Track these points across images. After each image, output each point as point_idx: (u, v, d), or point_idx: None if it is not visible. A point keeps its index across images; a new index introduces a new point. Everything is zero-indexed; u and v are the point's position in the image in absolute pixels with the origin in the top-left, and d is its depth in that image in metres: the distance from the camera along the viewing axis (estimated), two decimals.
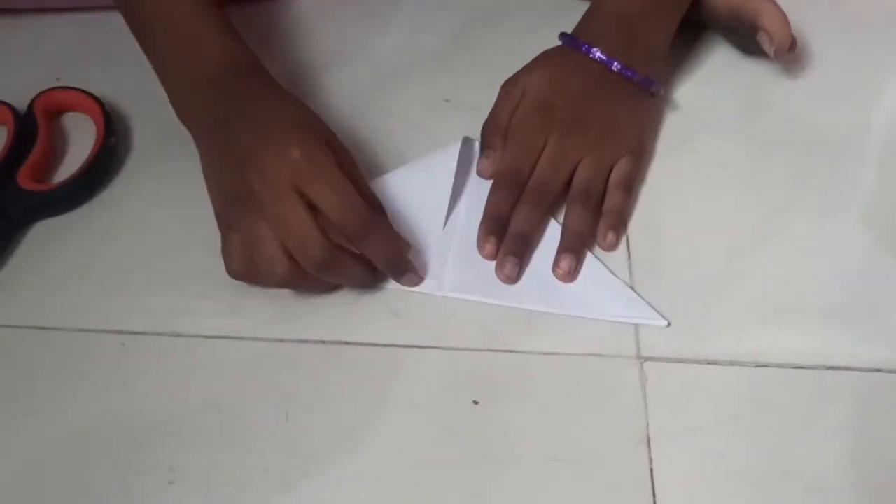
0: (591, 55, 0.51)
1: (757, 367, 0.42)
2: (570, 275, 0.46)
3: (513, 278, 0.46)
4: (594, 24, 0.53)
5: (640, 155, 0.52)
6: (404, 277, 0.45)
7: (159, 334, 0.43)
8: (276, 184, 0.41)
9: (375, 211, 0.44)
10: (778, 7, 0.54)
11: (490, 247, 0.46)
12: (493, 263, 0.46)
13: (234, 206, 0.42)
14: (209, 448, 0.39)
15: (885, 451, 0.40)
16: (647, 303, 0.44)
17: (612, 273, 0.46)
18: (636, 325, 0.44)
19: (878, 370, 0.42)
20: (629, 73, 0.51)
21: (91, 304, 0.45)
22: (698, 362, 0.42)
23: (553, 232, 0.48)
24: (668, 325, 0.44)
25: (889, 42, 0.61)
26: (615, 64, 0.51)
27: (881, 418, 0.41)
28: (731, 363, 0.42)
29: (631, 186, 0.50)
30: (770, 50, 0.53)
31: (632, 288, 0.45)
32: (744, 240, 0.48)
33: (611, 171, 0.50)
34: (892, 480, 0.39)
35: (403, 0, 0.63)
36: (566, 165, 0.49)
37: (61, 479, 0.39)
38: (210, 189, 0.45)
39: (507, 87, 0.52)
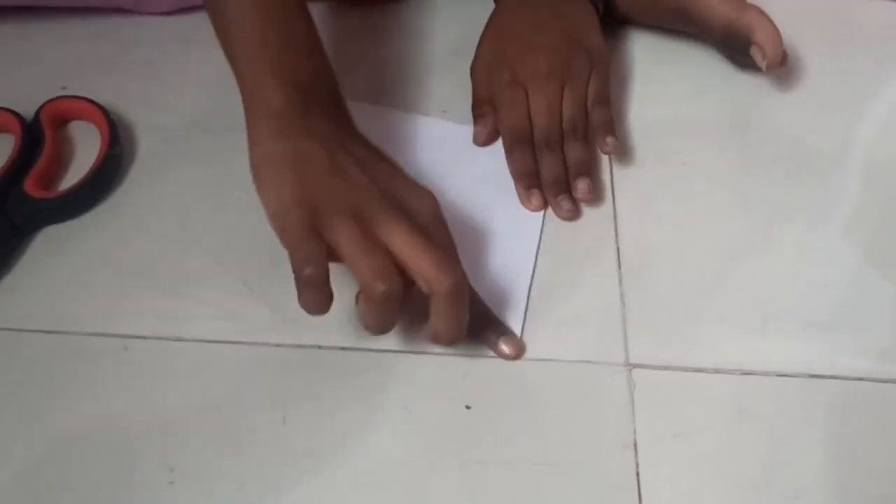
0: None
1: (742, 375, 0.43)
2: (590, 192, 0.50)
3: (575, 213, 0.50)
4: None
5: (606, 60, 0.56)
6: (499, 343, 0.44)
7: (161, 338, 0.44)
8: (408, 214, 0.40)
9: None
10: (771, 22, 0.55)
11: (536, 199, 0.50)
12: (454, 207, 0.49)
13: (337, 213, 0.39)
14: (209, 449, 0.40)
15: (866, 458, 0.41)
16: (525, 312, 0.46)
17: (532, 274, 0.47)
18: (625, 333, 0.45)
19: (861, 379, 0.43)
20: None
21: (95, 309, 0.46)
22: (685, 370, 0.44)
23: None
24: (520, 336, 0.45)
25: (878, 57, 0.62)
26: None
27: (863, 427, 0.42)
28: (717, 371, 0.43)
29: (608, 98, 0.54)
30: (762, 64, 0.55)
31: (528, 298, 0.46)
32: (731, 250, 0.49)
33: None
34: (872, 487, 0.40)
35: (402, 12, 0.64)
36: (555, 108, 0.53)
37: (64, 478, 0.39)
38: (283, 186, 0.40)
39: (472, 69, 0.57)
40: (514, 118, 0.52)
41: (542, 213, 0.51)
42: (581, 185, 0.50)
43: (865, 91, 0.59)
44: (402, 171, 0.44)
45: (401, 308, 0.40)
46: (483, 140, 0.54)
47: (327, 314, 0.45)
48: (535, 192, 0.51)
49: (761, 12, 0.55)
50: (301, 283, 0.39)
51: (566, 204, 0.50)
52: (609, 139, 0.51)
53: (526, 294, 0.46)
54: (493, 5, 0.59)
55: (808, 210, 0.51)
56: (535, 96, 0.53)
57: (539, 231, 0.50)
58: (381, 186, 0.41)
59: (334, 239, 0.39)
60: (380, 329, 0.41)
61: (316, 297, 0.39)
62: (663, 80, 0.59)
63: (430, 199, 0.42)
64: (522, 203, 0.51)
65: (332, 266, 0.39)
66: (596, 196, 0.51)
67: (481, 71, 0.56)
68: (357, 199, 0.40)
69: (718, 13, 0.56)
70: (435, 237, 0.41)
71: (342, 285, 0.47)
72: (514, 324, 0.45)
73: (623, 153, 0.53)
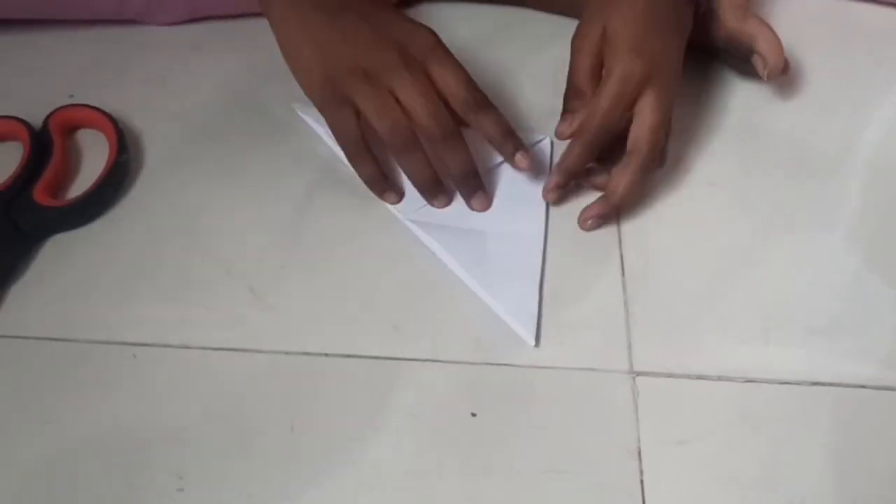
0: None
1: (745, 382, 0.44)
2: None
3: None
4: None
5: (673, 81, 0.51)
6: (517, 156, 0.50)
7: (169, 346, 0.45)
8: (413, 56, 0.47)
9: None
10: (773, 32, 0.55)
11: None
12: (451, 215, 0.50)
13: (354, 72, 0.47)
14: (217, 457, 0.41)
15: (869, 465, 0.41)
16: (539, 315, 0.46)
17: (541, 274, 0.48)
18: (629, 341, 0.45)
19: (863, 386, 0.44)
20: None
21: (103, 317, 0.46)
22: (688, 377, 0.44)
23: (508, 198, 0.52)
24: (536, 345, 0.45)
25: (879, 60, 0.62)
26: None
27: (864, 433, 0.42)
28: (720, 378, 0.44)
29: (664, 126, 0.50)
30: (763, 73, 0.55)
31: (540, 301, 0.47)
32: (734, 257, 0.49)
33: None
34: (875, 494, 0.40)
35: None
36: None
37: (73, 485, 0.40)
38: (311, 64, 0.48)
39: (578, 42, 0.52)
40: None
41: (543, 221, 0.51)
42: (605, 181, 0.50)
43: (866, 94, 0.60)
44: (401, 16, 0.49)
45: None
46: (567, 137, 0.51)
47: (335, 324, 0.46)
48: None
49: (763, 22, 0.56)
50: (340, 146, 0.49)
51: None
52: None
53: (537, 300, 0.47)
54: (497, 14, 0.59)
55: (811, 214, 0.51)
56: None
57: (543, 236, 0.50)
58: (384, 36, 0.47)
59: (356, 103, 0.47)
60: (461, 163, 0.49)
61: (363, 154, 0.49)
62: None
63: (428, 36, 0.48)
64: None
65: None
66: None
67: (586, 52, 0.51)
68: (367, 60, 0.47)
69: (720, 22, 0.57)
70: (440, 71, 0.47)
71: (344, 290, 0.47)
72: (528, 328, 0.45)
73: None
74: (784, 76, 0.57)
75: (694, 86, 0.60)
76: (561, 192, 0.51)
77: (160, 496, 0.39)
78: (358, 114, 0.48)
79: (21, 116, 0.54)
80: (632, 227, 0.51)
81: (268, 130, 0.55)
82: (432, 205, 0.51)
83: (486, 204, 0.51)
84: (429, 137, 0.47)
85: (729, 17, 0.56)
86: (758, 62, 0.55)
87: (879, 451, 0.41)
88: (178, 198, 0.52)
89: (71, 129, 0.55)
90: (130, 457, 0.41)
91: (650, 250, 0.50)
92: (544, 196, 0.51)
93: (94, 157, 0.53)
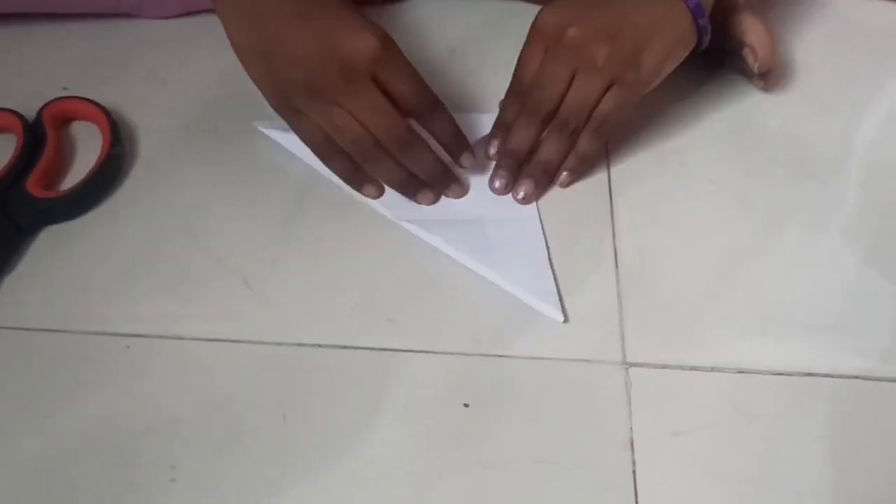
0: None
1: (739, 373, 0.44)
2: (528, 199, 0.51)
3: (530, 198, 0.51)
4: None
5: (644, 87, 0.51)
6: (462, 157, 0.50)
7: (162, 337, 0.45)
8: (356, 71, 0.45)
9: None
10: (764, 26, 0.55)
11: (500, 183, 0.51)
12: (443, 210, 0.51)
13: (303, 91, 0.46)
14: (210, 448, 0.41)
15: (864, 457, 0.41)
16: (558, 291, 0.46)
17: (547, 252, 0.48)
18: (622, 332, 0.45)
19: (857, 377, 0.44)
20: None
21: (97, 308, 0.46)
22: (682, 369, 0.44)
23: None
24: (565, 321, 0.45)
25: (878, 58, 0.62)
26: None
27: (859, 424, 0.42)
28: (714, 370, 0.44)
29: (609, 130, 0.51)
30: (753, 66, 0.55)
31: (555, 278, 0.47)
32: (730, 252, 0.49)
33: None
34: (870, 486, 0.40)
35: (400, 12, 0.65)
36: (559, 87, 0.50)
37: (67, 475, 0.40)
38: (263, 77, 0.47)
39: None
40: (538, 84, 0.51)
41: (537, 213, 0.51)
42: (523, 189, 0.51)
43: (865, 92, 0.60)
44: (345, 14, 0.46)
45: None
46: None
47: (329, 316, 0.46)
48: (504, 174, 0.51)
49: (756, 16, 0.56)
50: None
51: (524, 188, 0.51)
52: (564, 177, 0.52)
53: (552, 277, 0.47)
54: (490, 8, 0.59)
55: (808, 210, 0.51)
56: (544, 68, 0.50)
57: (538, 216, 0.50)
58: (325, 47, 0.45)
59: (306, 118, 0.47)
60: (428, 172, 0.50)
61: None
62: (664, 83, 0.60)
63: (371, 40, 0.45)
64: (490, 178, 0.52)
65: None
66: (530, 200, 0.51)
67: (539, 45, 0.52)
68: (310, 78, 0.45)
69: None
70: (387, 78, 0.46)
71: (339, 284, 0.47)
72: (553, 305, 0.46)
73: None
74: (769, 77, 0.57)
75: (693, 85, 0.59)
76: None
77: (153, 487, 0.39)
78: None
79: (15, 108, 0.54)
80: (626, 221, 0.51)
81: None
82: (417, 202, 0.51)
83: (463, 192, 0.51)
84: (388, 149, 0.48)
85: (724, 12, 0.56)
86: (748, 55, 0.55)
87: (876, 443, 0.41)
88: (173, 191, 0.52)
89: (65, 122, 0.55)
90: (123, 447, 0.41)
91: (646, 247, 0.49)
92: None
93: (87, 150, 0.53)
